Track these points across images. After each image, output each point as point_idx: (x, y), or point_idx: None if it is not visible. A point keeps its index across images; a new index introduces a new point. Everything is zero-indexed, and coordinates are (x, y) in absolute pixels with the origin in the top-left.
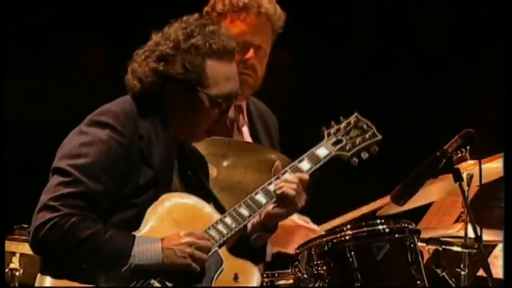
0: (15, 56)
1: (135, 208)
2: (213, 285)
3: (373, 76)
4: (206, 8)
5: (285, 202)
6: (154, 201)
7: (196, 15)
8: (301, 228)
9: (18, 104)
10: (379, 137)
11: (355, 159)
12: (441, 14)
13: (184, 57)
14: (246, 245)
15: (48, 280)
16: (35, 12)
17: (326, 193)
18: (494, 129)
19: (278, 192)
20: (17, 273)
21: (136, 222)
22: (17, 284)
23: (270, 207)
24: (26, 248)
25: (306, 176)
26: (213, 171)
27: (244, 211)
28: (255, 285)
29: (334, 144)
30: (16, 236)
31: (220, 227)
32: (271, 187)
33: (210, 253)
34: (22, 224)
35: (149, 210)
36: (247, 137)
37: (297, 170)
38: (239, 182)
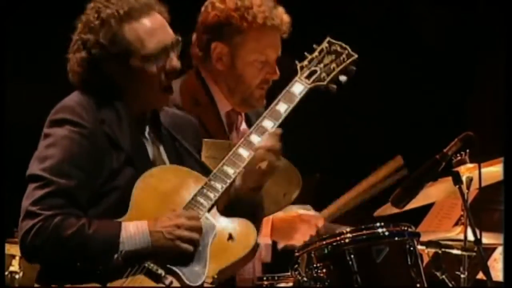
0: (16, 58)
1: (117, 191)
2: (208, 250)
3: (372, 76)
4: (216, 19)
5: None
6: (135, 181)
7: None
8: (304, 217)
9: (18, 106)
10: (355, 56)
11: (333, 86)
12: (441, 14)
13: (100, 35)
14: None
15: None
16: (35, 13)
17: (325, 193)
18: (494, 131)
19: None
20: (17, 276)
21: (122, 205)
22: (17, 286)
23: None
24: None
25: (276, 141)
26: None
27: (229, 169)
28: (252, 238)
29: (308, 76)
30: (16, 239)
31: (206, 191)
32: (252, 138)
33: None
34: None
35: (134, 190)
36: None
37: (275, 113)
38: None
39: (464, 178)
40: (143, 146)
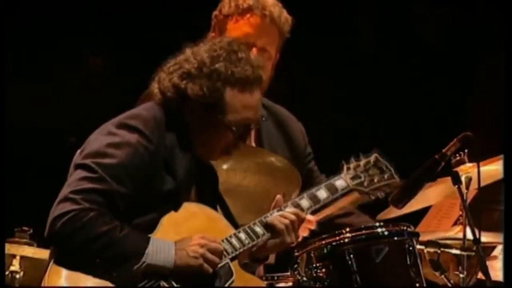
0: (16, 60)
1: (154, 213)
2: None
3: (372, 76)
4: (214, 12)
5: (274, 234)
6: (173, 210)
7: (229, 38)
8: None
9: (18, 108)
10: (397, 179)
11: (372, 196)
12: (441, 14)
13: (205, 80)
14: None
15: (63, 272)
16: (36, 16)
17: None
18: (494, 131)
19: (269, 222)
20: (17, 276)
21: (152, 227)
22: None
23: None
24: (26, 251)
25: (302, 214)
26: None
27: (259, 229)
28: None
29: (353, 178)
30: (16, 239)
31: (234, 241)
32: (287, 209)
33: (221, 264)
34: (23, 227)
35: (166, 217)
36: (251, 141)
37: (314, 197)
38: (238, 185)
39: (463, 178)
40: (191, 185)
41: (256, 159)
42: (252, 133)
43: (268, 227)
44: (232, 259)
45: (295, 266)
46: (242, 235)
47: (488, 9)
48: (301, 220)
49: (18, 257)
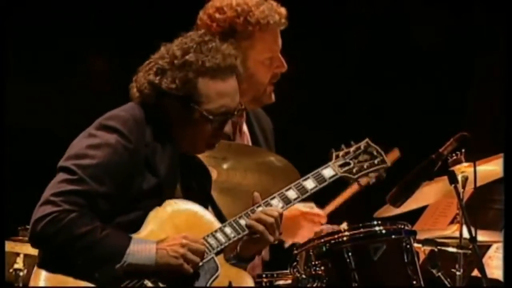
0: (17, 61)
1: (138, 211)
2: None
3: (372, 77)
4: (223, 29)
5: (256, 235)
6: (157, 206)
7: (201, 31)
8: (307, 214)
9: (20, 109)
10: (388, 164)
11: (361, 183)
12: (440, 15)
13: (177, 73)
14: None
15: (43, 275)
16: (37, 16)
17: (325, 193)
18: (493, 130)
19: (248, 225)
20: (21, 273)
21: (138, 225)
22: (21, 284)
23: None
24: (30, 249)
25: (280, 210)
26: (213, 174)
27: (244, 222)
28: None
29: (341, 166)
30: (20, 237)
31: (219, 235)
32: (273, 202)
33: (206, 259)
34: (26, 225)
35: (151, 214)
36: (249, 139)
37: (302, 188)
38: (239, 184)
39: (459, 178)
40: (175, 181)
41: (256, 158)
42: (246, 131)
43: (249, 228)
44: (217, 254)
45: (294, 264)
46: (227, 229)
47: (486, 10)
48: (279, 218)
49: (21, 255)
